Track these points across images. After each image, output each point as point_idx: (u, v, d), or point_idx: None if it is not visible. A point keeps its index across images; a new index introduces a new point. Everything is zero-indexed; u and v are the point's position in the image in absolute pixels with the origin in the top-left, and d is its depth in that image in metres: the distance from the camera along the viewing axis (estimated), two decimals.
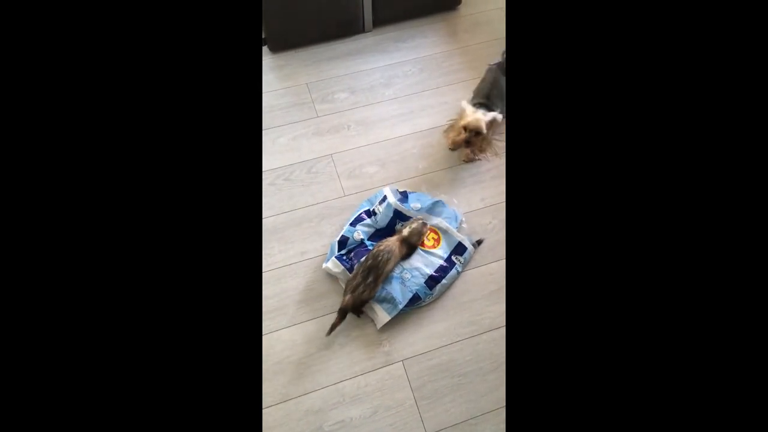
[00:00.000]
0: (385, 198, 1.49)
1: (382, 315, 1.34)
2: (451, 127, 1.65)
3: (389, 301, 1.34)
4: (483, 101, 1.58)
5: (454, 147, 1.64)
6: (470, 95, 1.66)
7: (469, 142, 1.55)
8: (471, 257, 1.46)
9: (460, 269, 1.42)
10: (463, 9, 2.10)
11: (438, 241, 1.44)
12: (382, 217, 1.47)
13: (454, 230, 1.46)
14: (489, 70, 1.69)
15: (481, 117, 1.51)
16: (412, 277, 1.36)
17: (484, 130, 1.51)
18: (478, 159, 1.63)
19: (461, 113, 1.56)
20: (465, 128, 1.52)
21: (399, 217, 1.47)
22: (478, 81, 1.79)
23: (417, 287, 1.35)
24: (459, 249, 1.44)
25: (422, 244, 1.43)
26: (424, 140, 1.71)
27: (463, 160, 1.64)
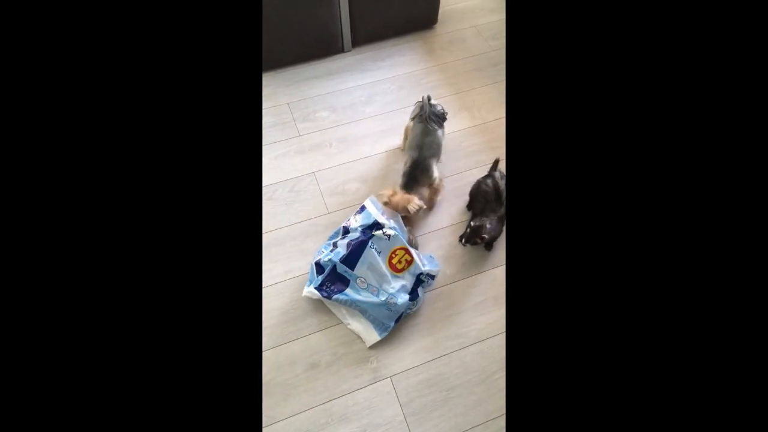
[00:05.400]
0: (363, 208, 1.48)
1: (372, 334, 1.33)
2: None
3: (378, 325, 1.34)
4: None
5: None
6: (451, 111, 1.68)
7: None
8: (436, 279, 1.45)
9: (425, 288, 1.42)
10: (439, 28, 2.15)
11: (410, 263, 1.41)
12: (362, 221, 1.45)
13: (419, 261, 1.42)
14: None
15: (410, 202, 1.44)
16: (398, 302, 1.34)
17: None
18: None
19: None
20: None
21: (377, 225, 1.43)
22: (454, 96, 1.82)
23: (403, 308, 1.36)
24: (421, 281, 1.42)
25: (395, 269, 1.41)
26: (405, 156, 1.73)
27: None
